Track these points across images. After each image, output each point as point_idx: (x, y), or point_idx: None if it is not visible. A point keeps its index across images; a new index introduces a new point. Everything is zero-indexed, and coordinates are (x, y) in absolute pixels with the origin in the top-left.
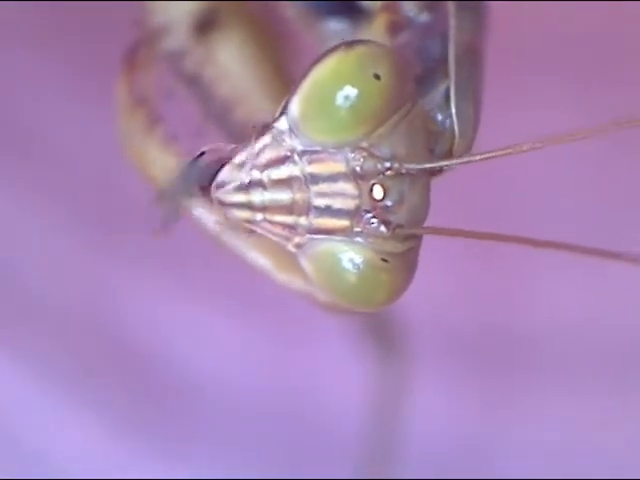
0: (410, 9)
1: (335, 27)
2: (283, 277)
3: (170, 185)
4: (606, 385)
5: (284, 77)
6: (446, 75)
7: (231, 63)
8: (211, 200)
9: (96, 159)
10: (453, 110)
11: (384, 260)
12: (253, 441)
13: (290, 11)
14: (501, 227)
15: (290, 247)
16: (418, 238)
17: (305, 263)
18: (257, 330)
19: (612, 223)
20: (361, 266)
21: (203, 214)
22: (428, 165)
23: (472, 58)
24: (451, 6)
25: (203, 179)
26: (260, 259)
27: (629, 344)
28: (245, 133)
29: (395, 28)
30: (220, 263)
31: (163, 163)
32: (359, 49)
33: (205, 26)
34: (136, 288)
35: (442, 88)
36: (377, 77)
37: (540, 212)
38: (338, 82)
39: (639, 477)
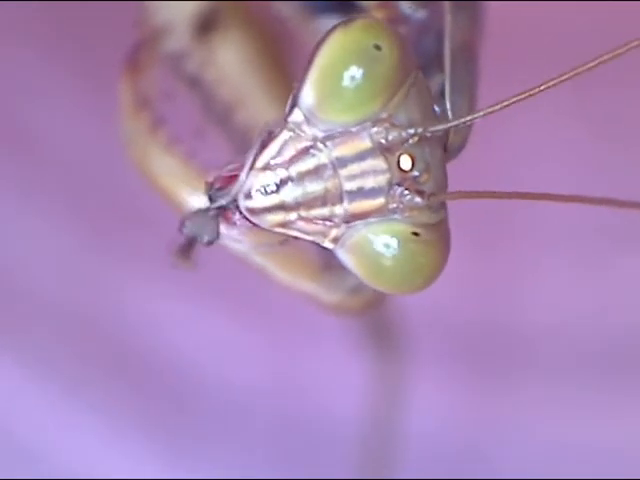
0: (406, 7)
1: (330, 25)
2: (287, 278)
3: (194, 218)
4: (606, 385)
5: (285, 78)
6: (441, 71)
7: (232, 64)
8: (235, 222)
9: (98, 160)
10: (448, 106)
11: (419, 235)
12: (253, 441)
13: (286, 10)
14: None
15: (327, 243)
16: (446, 208)
17: (345, 256)
18: (258, 330)
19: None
20: (402, 244)
21: (230, 237)
22: (449, 124)
23: (467, 55)
24: (447, 4)
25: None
26: (265, 260)
27: (628, 343)
28: (247, 136)
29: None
30: (221, 263)
31: (166, 165)
32: (358, 23)
33: (206, 27)
34: (137, 288)
35: (437, 84)
36: (378, 48)
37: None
38: (346, 58)
39: (638, 477)
